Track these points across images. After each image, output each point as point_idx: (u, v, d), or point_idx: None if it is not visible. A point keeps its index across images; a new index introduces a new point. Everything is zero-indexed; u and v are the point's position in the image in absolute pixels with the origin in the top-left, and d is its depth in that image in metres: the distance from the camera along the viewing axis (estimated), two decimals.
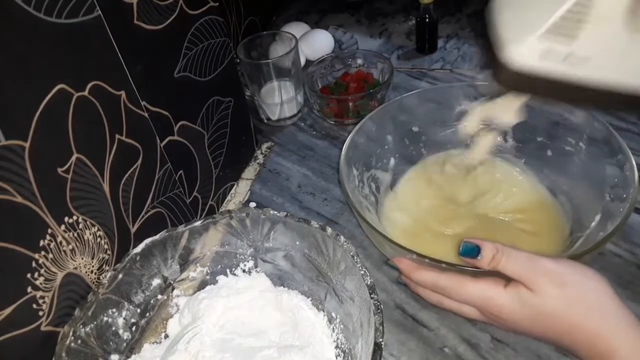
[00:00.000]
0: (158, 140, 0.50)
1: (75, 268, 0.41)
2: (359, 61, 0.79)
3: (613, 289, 0.36)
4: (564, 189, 0.55)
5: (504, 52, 0.35)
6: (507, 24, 0.35)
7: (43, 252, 0.38)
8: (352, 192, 0.52)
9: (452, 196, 0.58)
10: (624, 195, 0.45)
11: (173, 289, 0.49)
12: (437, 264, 0.42)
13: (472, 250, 0.40)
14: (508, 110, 0.43)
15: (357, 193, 0.54)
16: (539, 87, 0.36)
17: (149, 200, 0.50)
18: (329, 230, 0.44)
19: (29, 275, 0.37)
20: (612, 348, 0.34)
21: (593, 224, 0.48)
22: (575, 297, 0.35)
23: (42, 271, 0.38)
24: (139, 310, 0.47)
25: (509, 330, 0.41)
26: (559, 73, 0.34)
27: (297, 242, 0.48)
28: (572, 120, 0.52)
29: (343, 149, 0.54)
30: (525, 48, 0.34)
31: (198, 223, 0.48)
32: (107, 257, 0.45)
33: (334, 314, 0.46)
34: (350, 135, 0.55)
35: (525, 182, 0.58)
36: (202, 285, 0.50)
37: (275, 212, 0.47)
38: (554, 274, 0.36)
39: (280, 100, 0.73)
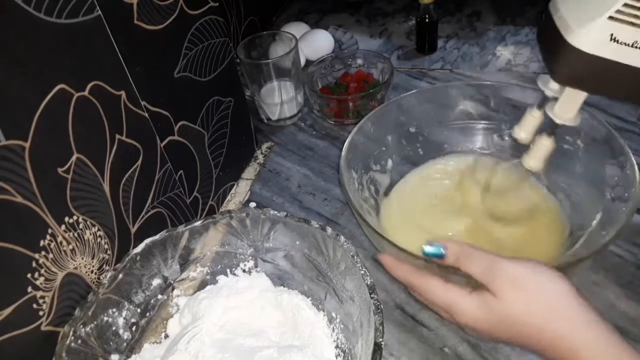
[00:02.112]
0: (158, 140, 0.50)
1: (76, 268, 0.42)
2: (359, 61, 0.79)
3: (576, 289, 0.35)
4: (562, 187, 0.55)
5: (571, 37, 0.34)
6: (572, 12, 0.35)
7: (43, 252, 0.38)
8: (354, 195, 0.51)
9: (451, 197, 0.58)
10: (626, 195, 0.45)
11: (173, 289, 0.49)
12: (412, 258, 0.42)
13: (435, 252, 0.40)
14: (568, 110, 0.41)
15: (357, 196, 0.54)
16: (604, 78, 0.36)
17: (149, 200, 0.50)
18: (329, 230, 0.44)
19: (29, 275, 0.37)
20: (575, 348, 0.33)
21: (594, 222, 0.48)
22: (537, 300, 0.35)
23: (42, 271, 0.38)
24: (139, 310, 0.47)
25: (478, 337, 0.40)
26: (627, 59, 0.34)
27: (297, 242, 0.48)
28: None
29: (342, 152, 0.53)
30: (594, 30, 0.33)
31: (198, 223, 0.48)
32: (107, 257, 0.45)
33: (334, 314, 0.46)
34: (349, 136, 0.55)
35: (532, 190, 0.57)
36: (202, 285, 0.50)
37: (275, 212, 0.47)
38: (515, 277, 0.36)
39: (280, 100, 0.73)
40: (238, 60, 0.70)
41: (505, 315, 0.36)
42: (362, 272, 0.41)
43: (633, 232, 0.53)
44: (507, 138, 0.60)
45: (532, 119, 0.45)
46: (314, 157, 0.70)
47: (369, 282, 0.40)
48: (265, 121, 0.77)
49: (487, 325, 0.37)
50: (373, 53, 0.78)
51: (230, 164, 0.65)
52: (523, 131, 0.46)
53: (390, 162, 0.60)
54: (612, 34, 0.33)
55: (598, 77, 0.36)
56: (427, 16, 0.81)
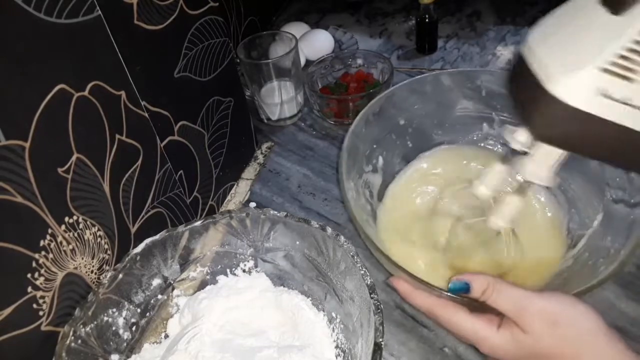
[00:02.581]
0: (158, 140, 0.50)
1: (76, 268, 0.41)
2: (359, 61, 0.79)
3: (605, 323, 0.36)
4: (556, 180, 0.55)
5: (553, 86, 0.30)
6: (555, 57, 0.30)
7: (43, 252, 0.38)
8: (355, 208, 0.48)
9: (447, 201, 0.56)
10: (632, 201, 0.44)
11: (173, 289, 0.49)
12: (432, 289, 0.40)
13: (461, 288, 0.39)
14: (541, 170, 0.36)
15: (356, 205, 0.51)
16: (587, 136, 0.31)
17: (149, 200, 0.50)
18: (329, 230, 0.44)
19: (29, 275, 0.37)
20: None
21: (595, 222, 0.47)
22: (567, 336, 0.35)
23: (42, 271, 0.38)
24: (139, 310, 0.47)
25: None
26: (617, 117, 0.29)
27: (297, 242, 0.48)
28: None
29: (340, 163, 0.50)
30: (582, 81, 0.29)
31: (198, 223, 0.48)
32: (107, 257, 0.45)
33: (334, 314, 0.46)
34: (345, 143, 0.52)
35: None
36: (202, 285, 0.50)
37: (275, 212, 0.47)
38: (546, 313, 0.36)
39: (280, 100, 0.73)
40: (238, 60, 0.70)
41: (535, 350, 0.36)
42: (362, 272, 0.41)
43: None
44: (496, 127, 0.59)
45: (496, 174, 0.41)
46: (314, 157, 0.70)
47: (369, 282, 0.40)
48: (265, 121, 0.77)
49: (515, 358, 0.37)
50: (373, 53, 0.78)
51: (230, 164, 0.65)
52: (485, 186, 0.41)
53: (381, 160, 0.59)
54: (600, 87, 0.29)
55: (580, 134, 0.31)
56: (427, 16, 0.81)
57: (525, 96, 0.33)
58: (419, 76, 0.59)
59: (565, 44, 0.31)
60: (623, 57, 0.28)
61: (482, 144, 0.61)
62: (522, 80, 0.33)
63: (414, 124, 0.60)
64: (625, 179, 0.46)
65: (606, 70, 0.29)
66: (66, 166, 0.39)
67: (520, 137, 0.36)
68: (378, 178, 0.59)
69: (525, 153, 0.37)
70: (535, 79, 0.31)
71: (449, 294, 0.40)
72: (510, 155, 0.39)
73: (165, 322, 0.49)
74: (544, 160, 0.36)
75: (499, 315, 0.39)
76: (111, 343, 0.44)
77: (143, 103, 0.47)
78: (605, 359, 0.34)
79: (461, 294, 0.39)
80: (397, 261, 0.42)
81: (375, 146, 0.58)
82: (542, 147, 0.35)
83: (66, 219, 0.39)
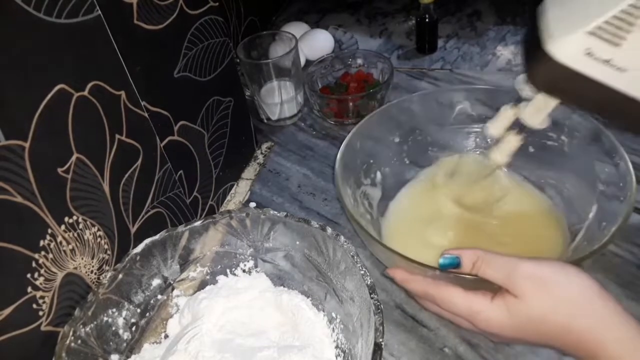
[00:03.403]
0: (158, 140, 0.50)
1: (75, 268, 0.41)
2: (359, 61, 0.79)
3: (598, 285, 0.35)
4: (552, 183, 0.55)
5: (549, 45, 0.35)
6: (556, 19, 0.35)
7: (43, 252, 0.38)
8: (353, 210, 0.49)
9: (448, 203, 0.57)
10: (620, 190, 0.45)
11: (173, 289, 0.49)
12: (427, 270, 0.41)
13: (452, 263, 0.40)
14: (537, 114, 0.42)
15: (354, 209, 0.51)
16: (575, 90, 0.36)
17: (149, 200, 0.50)
18: (329, 230, 0.44)
19: (29, 275, 0.37)
20: (603, 339, 0.33)
21: (591, 214, 0.48)
22: (560, 298, 0.35)
23: (42, 271, 0.38)
24: (139, 310, 0.47)
25: (503, 342, 0.40)
26: (598, 75, 0.34)
27: (297, 242, 0.48)
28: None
29: (336, 174, 0.51)
30: (571, 42, 0.33)
31: (198, 223, 0.48)
32: (107, 257, 0.45)
33: (334, 314, 0.46)
34: (339, 153, 0.52)
35: (508, 181, 0.58)
36: (202, 285, 0.50)
37: (275, 212, 0.47)
38: (535, 277, 0.36)
39: (280, 100, 0.73)
40: (238, 60, 0.70)
41: (530, 316, 0.36)
42: (362, 272, 0.41)
43: (633, 232, 0.53)
44: (489, 140, 0.59)
45: (505, 117, 0.46)
46: (314, 157, 0.70)
47: (369, 282, 0.40)
48: (265, 121, 0.77)
49: (513, 331, 0.37)
50: (373, 53, 0.78)
51: (230, 164, 0.65)
52: (494, 127, 0.47)
53: (379, 175, 0.59)
54: (588, 49, 0.33)
55: (568, 87, 0.36)
56: (427, 16, 0.81)
57: (528, 50, 0.38)
58: (409, 95, 0.59)
59: (565, 10, 0.35)
60: (610, 24, 0.32)
61: (479, 153, 0.61)
62: (530, 35, 0.38)
63: (409, 142, 0.60)
64: (613, 169, 0.47)
65: (593, 34, 0.33)
66: (66, 166, 0.39)
67: (528, 87, 0.41)
68: (377, 192, 0.59)
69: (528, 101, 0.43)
70: (538, 36, 0.36)
71: (442, 271, 0.40)
72: (518, 102, 0.44)
73: (165, 322, 0.49)
74: (539, 107, 0.42)
75: (494, 291, 0.38)
76: (111, 343, 0.44)
77: (143, 103, 0.47)
78: (602, 320, 0.34)
79: (452, 269, 0.40)
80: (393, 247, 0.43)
81: (372, 161, 0.58)
82: (538, 97, 0.41)
83: (66, 219, 0.39)
